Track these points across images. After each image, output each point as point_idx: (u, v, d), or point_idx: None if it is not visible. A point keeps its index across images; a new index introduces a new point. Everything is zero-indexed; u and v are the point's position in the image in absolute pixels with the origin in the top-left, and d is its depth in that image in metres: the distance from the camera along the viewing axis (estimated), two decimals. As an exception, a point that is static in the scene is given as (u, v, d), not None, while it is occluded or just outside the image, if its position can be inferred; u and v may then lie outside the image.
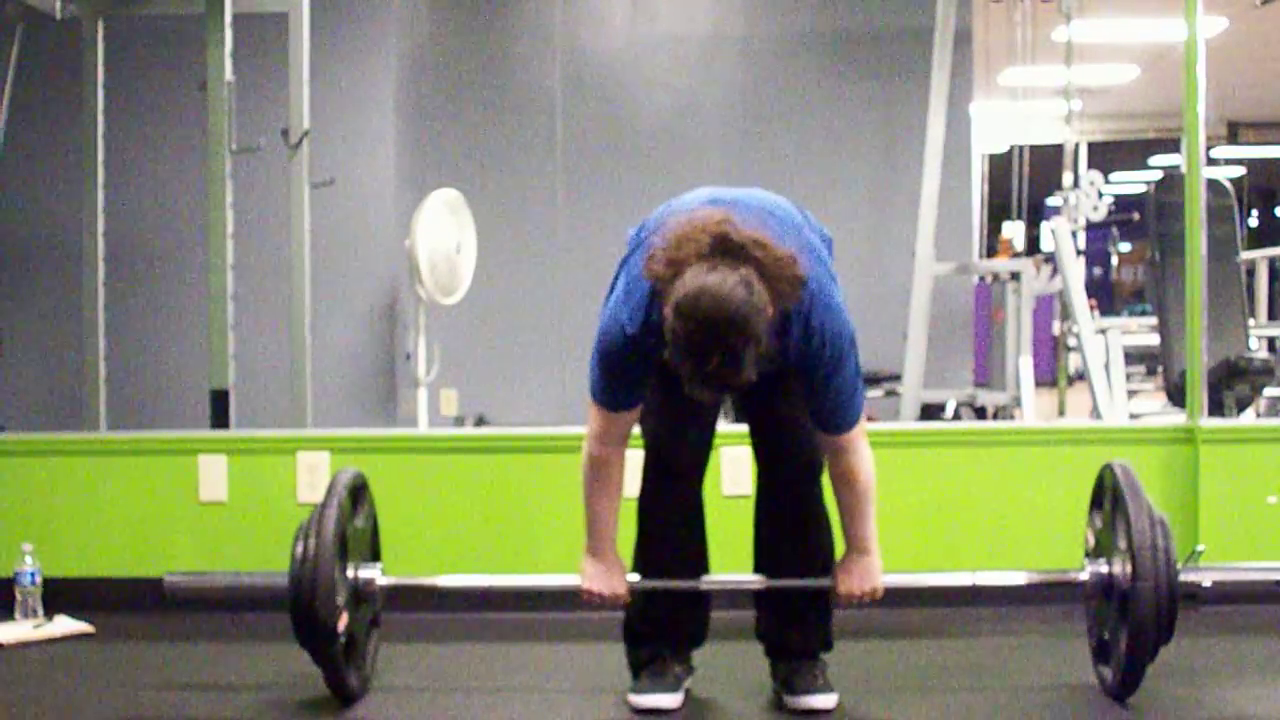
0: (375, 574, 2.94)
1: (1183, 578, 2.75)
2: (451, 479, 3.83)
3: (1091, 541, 3.00)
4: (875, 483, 2.75)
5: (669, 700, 2.84)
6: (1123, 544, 2.76)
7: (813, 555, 2.88)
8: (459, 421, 6.46)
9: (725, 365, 2.41)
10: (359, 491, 2.97)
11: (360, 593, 2.90)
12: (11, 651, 3.43)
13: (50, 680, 3.21)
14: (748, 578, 2.93)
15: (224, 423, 4.72)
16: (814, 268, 2.59)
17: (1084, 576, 2.87)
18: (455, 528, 3.80)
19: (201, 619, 3.65)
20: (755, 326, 2.42)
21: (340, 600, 2.80)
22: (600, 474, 2.75)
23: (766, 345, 2.47)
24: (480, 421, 6.38)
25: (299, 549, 2.80)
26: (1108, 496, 2.89)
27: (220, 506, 3.82)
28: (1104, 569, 2.84)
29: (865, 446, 2.73)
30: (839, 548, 2.87)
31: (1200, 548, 3.05)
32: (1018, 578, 3.07)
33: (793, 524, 2.90)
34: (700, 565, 2.95)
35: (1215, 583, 2.83)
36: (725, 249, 2.45)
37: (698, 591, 2.94)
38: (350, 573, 2.87)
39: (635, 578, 2.84)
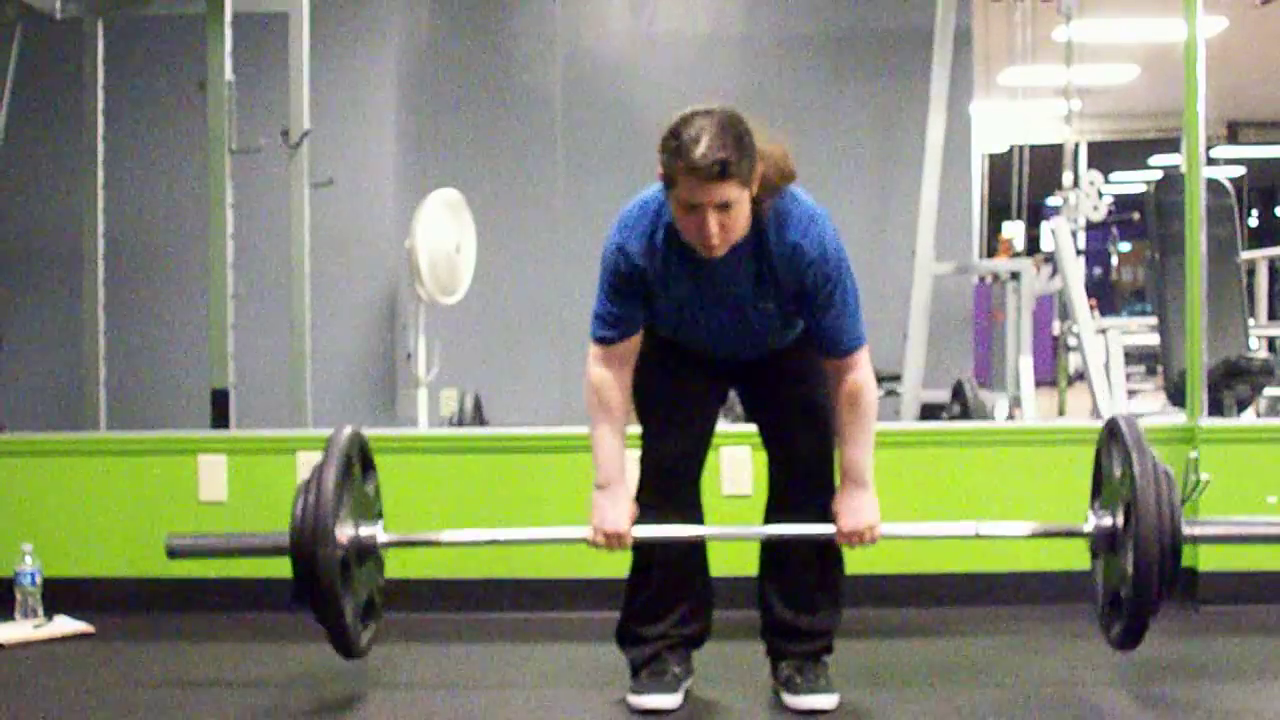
0: (376, 531, 2.94)
1: (1186, 531, 2.74)
2: (452, 479, 3.82)
3: (1095, 495, 3.00)
4: (876, 408, 2.80)
5: (668, 700, 2.84)
6: (1127, 496, 2.76)
7: (823, 556, 2.88)
8: (460, 410, 6.44)
9: (718, 146, 2.56)
10: (357, 449, 2.96)
11: (362, 550, 2.89)
12: (11, 651, 3.44)
13: (50, 680, 3.21)
14: (752, 529, 2.92)
15: (224, 423, 4.72)
16: (811, 200, 2.78)
17: (1087, 528, 2.88)
18: (455, 527, 3.79)
19: (202, 619, 3.65)
20: (748, 130, 2.63)
21: (341, 558, 2.79)
22: (600, 397, 2.79)
23: (755, 229, 2.66)
24: (477, 403, 6.34)
25: (298, 508, 2.78)
26: (1113, 449, 2.88)
27: (220, 506, 3.82)
28: (1108, 521, 2.84)
29: (870, 369, 2.80)
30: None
31: (1205, 477, 3.03)
32: (1021, 529, 3.05)
33: (804, 518, 2.88)
34: (698, 563, 2.94)
35: (1215, 536, 2.83)
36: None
37: (700, 590, 2.93)
38: (351, 531, 2.86)
39: (641, 530, 2.80)
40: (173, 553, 3.02)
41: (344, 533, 2.83)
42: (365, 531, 2.92)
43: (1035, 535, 3.01)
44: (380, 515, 3.06)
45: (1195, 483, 2.96)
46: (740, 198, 2.60)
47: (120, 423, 5.25)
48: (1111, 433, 2.92)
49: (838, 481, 2.84)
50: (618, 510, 2.78)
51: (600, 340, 2.79)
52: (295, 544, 2.79)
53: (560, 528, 3.04)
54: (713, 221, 2.58)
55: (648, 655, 2.89)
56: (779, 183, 2.71)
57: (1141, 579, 2.70)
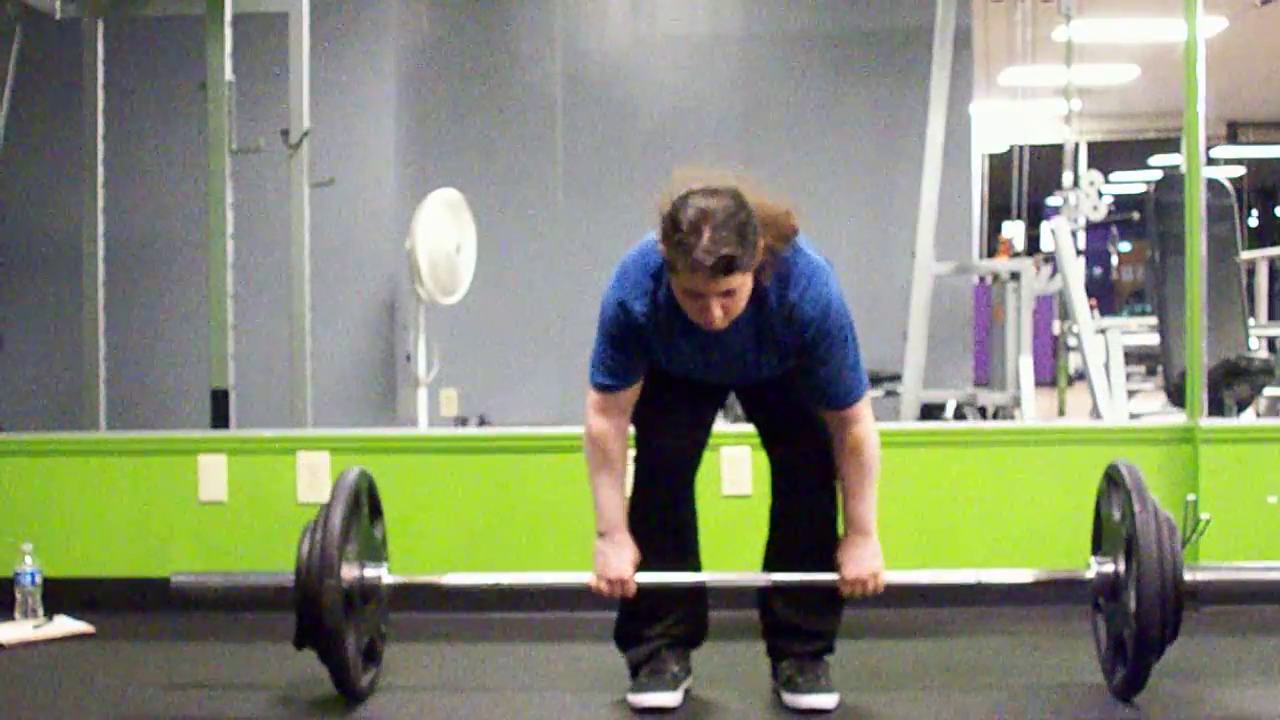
0: (381, 573, 2.94)
1: (1187, 577, 2.74)
2: (452, 479, 3.82)
3: (1097, 541, 3.00)
4: (879, 459, 2.79)
5: (668, 699, 2.84)
6: (1128, 543, 2.77)
7: (825, 560, 2.88)
8: (461, 422, 6.47)
9: (722, 239, 2.50)
10: (365, 490, 2.97)
11: (366, 591, 2.90)
12: (11, 651, 3.43)
13: (50, 680, 3.21)
14: (753, 575, 2.93)
15: (224, 423, 4.72)
16: (811, 251, 2.72)
17: (1089, 575, 2.88)
18: (455, 528, 3.80)
19: (202, 619, 3.65)
20: (750, 215, 2.56)
21: (346, 598, 2.79)
22: (600, 448, 2.79)
23: (763, 285, 2.62)
24: (482, 423, 6.39)
25: (304, 547, 2.79)
26: (1114, 496, 2.89)
27: (220, 506, 3.82)
28: (1109, 568, 2.84)
29: (871, 420, 2.79)
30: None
31: (1205, 516, 3.03)
32: (1024, 576, 3.08)
33: (807, 526, 2.89)
34: (693, 564, 2.94)
35: (1218, 583, 2.82)
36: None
37: (696, 592, 2.94)
38: (356, 571, 2.87)
39: (645, 577, 2.82)
40: (176, 590, 3.00)
41: (350, 571, 2.82)
42: (370, 572, 2.91)
43: (1038, 582, 3.02)
44: (386, 560, 3.05)
45: (1195, 524, 2.96)
46: (744, 282, 2.59)
47: (120, 423, 5.25)
48: (1112, 480, 2.92)
49: (839, 485, 2.84)
50: (620, 557, 2.79)
51: (601, 388, 2.78)
52: (300, 580, 2.77)
53: (563, 573, 3.07)
54: (716, 307, 2.57)
55: (646, 654, 2.90)
56: (780, 248, 2.67)
57: (1143, 627, 2.70)
